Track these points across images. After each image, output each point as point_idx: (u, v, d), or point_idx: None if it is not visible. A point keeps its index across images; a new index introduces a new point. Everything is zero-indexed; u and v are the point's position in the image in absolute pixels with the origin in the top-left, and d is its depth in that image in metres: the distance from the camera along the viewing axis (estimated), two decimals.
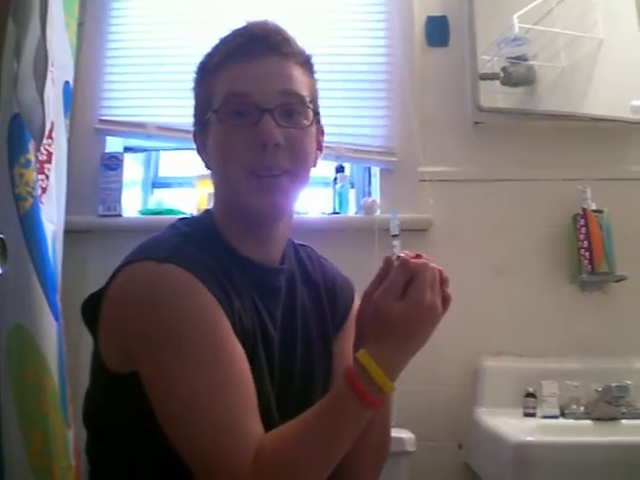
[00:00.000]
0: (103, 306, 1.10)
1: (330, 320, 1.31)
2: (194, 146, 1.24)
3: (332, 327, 1.31)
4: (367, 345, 1.03)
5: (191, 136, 1.25)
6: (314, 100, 1.20)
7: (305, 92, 1.16)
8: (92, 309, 1.12)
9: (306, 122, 1.15)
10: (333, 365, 1.28)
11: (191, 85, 1.23)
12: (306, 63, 1.20)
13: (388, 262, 1.07)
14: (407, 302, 1.01)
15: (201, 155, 1.23)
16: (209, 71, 1.17)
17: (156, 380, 1.02)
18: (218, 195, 1.23)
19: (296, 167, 1.14)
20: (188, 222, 1.21)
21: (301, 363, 1.23)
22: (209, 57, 1.20)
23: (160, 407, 1.02)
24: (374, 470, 1.28)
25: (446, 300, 1.04)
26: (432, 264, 1.04)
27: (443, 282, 1.05)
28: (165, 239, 1.13)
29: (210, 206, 1.27)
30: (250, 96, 1.11)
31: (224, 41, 1.18)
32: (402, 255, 1.05)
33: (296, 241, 1.35)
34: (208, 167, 1.22)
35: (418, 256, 1.06)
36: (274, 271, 1.22)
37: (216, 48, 1.19)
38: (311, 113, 1.17)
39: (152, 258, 1.06)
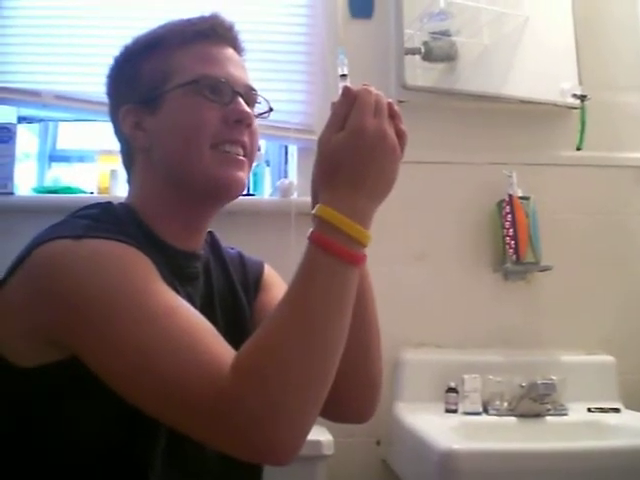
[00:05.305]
0: (6, 295, 0.97)
1: (244, 295, 1.24)
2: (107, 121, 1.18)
3: (247, 300, 1.24)
4: (321, 195, 0.94)
5: (109, 110, 1.17)
6: None
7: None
8: None
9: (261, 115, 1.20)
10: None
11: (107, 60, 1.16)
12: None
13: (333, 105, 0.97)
14: (347, 129, 0.92)
15: (134, 133, 1.13)
16: (170, 45, 1.12)
17: (105, 348, 0.89)
18: (148, 179, 1.14)
19: (253, 153, 1.15)
20: (95, 206, 1.09)
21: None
22: (166, 33, 1.14)
23: (115, 370, 0.89)
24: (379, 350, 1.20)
25: (401, 136, 0.94)
26: (378, 92, 0.94)
27: (394, 116, 0.95)
28: (72, 221, 1.02)
29: (125, 199, 1.17)
30: (226, 77, 1.11)
31: (190, 21, 1.15)
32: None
33: None
34: (126, 148, 1.16)
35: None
36: (193, 258, 1.16)
37: (178, 26, 1.15)
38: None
39: (65, 236, 0.94)
